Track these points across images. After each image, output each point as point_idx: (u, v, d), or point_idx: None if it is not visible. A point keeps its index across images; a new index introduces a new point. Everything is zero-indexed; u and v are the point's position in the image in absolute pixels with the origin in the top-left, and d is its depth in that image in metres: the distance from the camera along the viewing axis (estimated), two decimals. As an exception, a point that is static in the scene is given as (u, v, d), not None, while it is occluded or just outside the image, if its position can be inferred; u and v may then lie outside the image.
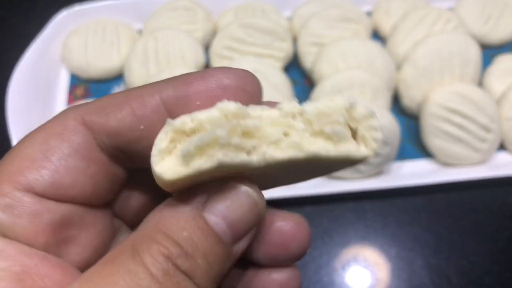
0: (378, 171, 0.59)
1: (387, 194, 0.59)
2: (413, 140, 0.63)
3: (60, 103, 0.67)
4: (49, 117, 0.63)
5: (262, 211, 0.21)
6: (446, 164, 0.60)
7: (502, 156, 0.62)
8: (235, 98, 0.19)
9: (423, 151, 0.62)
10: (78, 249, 0.21)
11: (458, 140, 0.57)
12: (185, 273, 0.18)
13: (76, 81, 0.69)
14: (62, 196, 0.20)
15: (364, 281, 0.54)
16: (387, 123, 0.53)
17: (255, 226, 0.21)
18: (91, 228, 0.22)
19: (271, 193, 0.55)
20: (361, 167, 0.56)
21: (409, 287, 0.54)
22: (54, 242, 0.20)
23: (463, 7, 0.72)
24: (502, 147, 0.62)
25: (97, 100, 0.22)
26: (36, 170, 0.19)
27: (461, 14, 0.72)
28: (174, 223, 0.18)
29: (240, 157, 0.18)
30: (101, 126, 0.20)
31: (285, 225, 0.24)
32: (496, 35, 0.71)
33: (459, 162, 0.59)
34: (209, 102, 0.20)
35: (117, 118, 0.20)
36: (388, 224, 0.58)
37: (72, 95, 0.67)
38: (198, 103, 0.20)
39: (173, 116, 0.19)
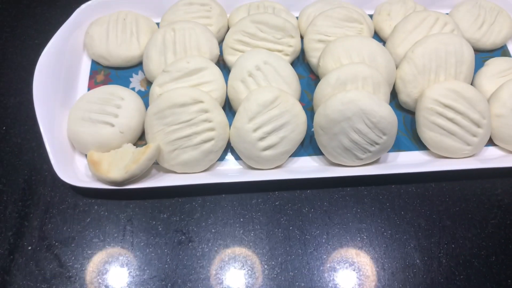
0: (376, 159, 0.63)
1: (383, 181, 0.64)
2: (409, 133, 0.68)
3: (81, 87, 0.71)
4: (71, 100, 0.68)
5: None
6: (439, 156, 0.65)
7: (491, 151, 0.67)
8: None
9: (418, 144, 0.66)
10: None
11: (451, 133, 0.62)
12: None
13: (97, 68, 0.73)
14: None
15: (360, 259, 0.58)
16: (387, 114, 0.58)
17: None
18: None
19: (277, 176, 0.60)
20: (361, 155, 0.60)
21: (401, 266, 0.58)
22: None
23: (459, 12, 0.77)
24: (491, 143, 0.67)
25: None
26: None
27: (457, 19, 0.77)
28: None
29: None
30: None
31: None
32: (489, 40, 0.75)
33: (451, 154, 0.64)
34: None
35: None
36: (384, 209, 0.62)
37: (93, 80, 0.71)
38: None
39: None
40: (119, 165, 0.59)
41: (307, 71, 0.74)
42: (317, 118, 0.61)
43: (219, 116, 0.61)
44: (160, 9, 0.78)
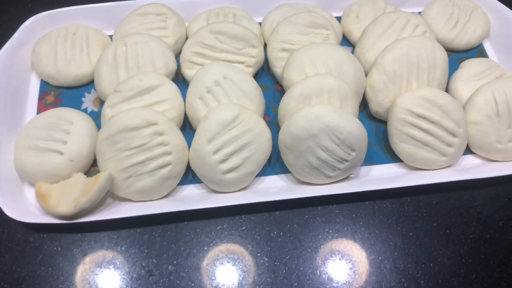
0: (347, 176, 0.60)
1: (356, 198, 0.60)
2: (381, 144, 0.64)
3: (30, 110, 0.66)
4: (19, 126, 0.63)
5: None
6: (414, 168, 0.61)
7: (469, 160, 0.63)
8: None
9: (392, 155, 0.62)
10: None
11: (425, 144, 0.58)
12: None
13: (47, 88, 0.68)
14: None
15: (334, 285, 0.55)
16: (354, 130, 0.54)
17: None
18: None
19: (242, 199, 0.56)
20: (329, 173, 0.56)
21: (377, 290, 0.55)
22: None
23: (432, 11, 0.73)
24: (468, 150, 0.63)
25: None
26: None
27: (429, 19, 0.73)
28: None
29: None
30: None
31: None
32: (464, 40, 0.72)
33: (426, 166, 0.60)
34: None
35: None
36: (357, 228, 0.59)
37: (42, 102, 0.66)
38: None
39: None
40: (68, 198, 0.54)
41: (272, 82, 0.69)
42: (282, 136, 0.56)
43: (176, 138, 0.56)
44: (114, 20, 0.72)
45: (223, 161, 0.55)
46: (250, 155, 0.56)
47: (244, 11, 0.73)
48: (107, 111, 0.59)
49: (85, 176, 0.57)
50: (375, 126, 0.65)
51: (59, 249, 0.57)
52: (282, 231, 0.58)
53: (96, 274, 0.55)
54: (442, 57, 0.61)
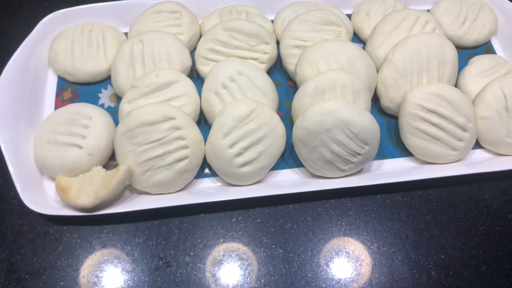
0: (359, 170, 0.61)
1: (368, 192, 0.61)
2: (392, 139, 0.65)
3: (48, 106, 0.67)
4: (37, 121, 0.64)
5: None
6: (424, 162, 0.62)
7: (478, 154, 0.64)
8: None
9: (403, 149, 0.64)
10: None
11: (436, 139, 0.60)
12: None
13: (64, 84, 0.69)
14: None
15: (347, 276, 0.56)
16: (368, 124, 0.55)
17: None
18: None
19: (257, 192, 0.57)
20: (343, 166, 0.58)
21: (390, 281, 0.56)
22: None
23: (440, 9, 0.74)
24: (477, 145, 0.64)
25: None
26: None
27: (438, 17, 0.74)
28: None
29: None
30: None
31: None
32: (472, 37, 0.73)
33: (437, 160, 0.61)
34: None
35: None
36: (370, 221, 0.60)
37: (59, 98, 0.68)
38: None
39: None
40: (88, 191, 0.55)
41: (285, 78, 0.71)
42: (296, 130, 0.58)
43: (193, 132, 0.57)
44: (129, 17, 0.73)
45: (238, 154, 0.57)
46: (265, 149, 0.57)
47: (256, 9, 0.74)
48: (124, 106, 0.60)
49: (104, 169, 0.58)
50: (386, 121, 0.66)
51: (79, 240, 0.58)
52: (296, 224, 0.59)
53: (115, 266, 0.56)
54: (451, 53, 0.62)
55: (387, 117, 0.67)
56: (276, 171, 0.62)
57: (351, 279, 0.56)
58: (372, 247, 0.58)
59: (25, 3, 0.82)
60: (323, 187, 0.58)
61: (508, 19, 0.74)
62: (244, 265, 0.56)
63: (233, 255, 0.57)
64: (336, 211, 0.60)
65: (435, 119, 0.59)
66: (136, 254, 0.57)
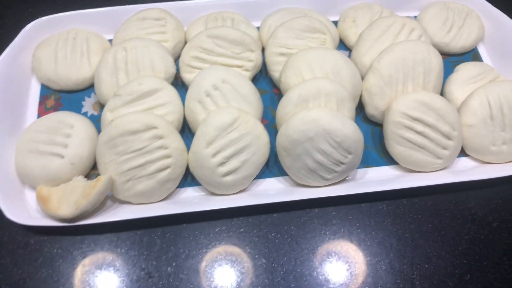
0: (344, 178, 0.60)
1: (352, 200, 0.61)
2: (377, 147, 0.65)
3: (30, 114, 0.66)
4: (20, 129, 0.64)
5: None
6: (409, 170, 0.62)
7: (463, 162, 0.64)
8: None
9: (387, 158, 0.63)
10: None
11: (421, 147, 0.59)
12: None
13: (47, 92, 0.68)
14: None
15: (330, 286, 0.55)
16: (351, 133, 0.55)
17: None
18: None
19: (240, 202, 0.56)
20: (326, 175, 0.57)
21: (373, 291, 0.55)
22: None
23: (427, 15, 0.74)
24: (463, 153, 0.64)
25: None
26: None
27: (425, 23, 0.74)
28: None
29: None
30: None
31: None
32: (459, 44, 0.73)
33: (421, 168, 0.61)
34: None
35: None
36: (354, 230, 0.59)
37: (42, 106, 0.67)
38: None
39: None
40: (69, 201, 0.55)
41: (270, 86, 0.70)
42: (279, 139, 0.57)
43: (175, 141, 0.57)
44: (114, 24, 0.73)
45: (221, 164, 0.56)
46: (248, 158, 0.57)
47: (242, 16, 0.73)
48: (107, 115, 0.60)
49: (86, 179, 0.57)
50: (371, 129, 0.66)
51: (59, 251, 0.57)
52: (279, 233, 0.59)
53: (96, 276, 0.56)
54: (437, 61, 0.62)
55: (372, 125, 0.66)
56: (260, 180, 0.62)
57: (335, 289, 0.55)
58: (356, 257, 0.57)
59: (8, 9, 0.81)
60: (307, 196, 0.58)
61: (495, 26, 0.74)
62: (227, 275, 0.56)
63: (215, 266, 0.57)
64: (320, 220, 0.60)
65: (419, 127, 0.58)
66: (118, 265, 0.56)
